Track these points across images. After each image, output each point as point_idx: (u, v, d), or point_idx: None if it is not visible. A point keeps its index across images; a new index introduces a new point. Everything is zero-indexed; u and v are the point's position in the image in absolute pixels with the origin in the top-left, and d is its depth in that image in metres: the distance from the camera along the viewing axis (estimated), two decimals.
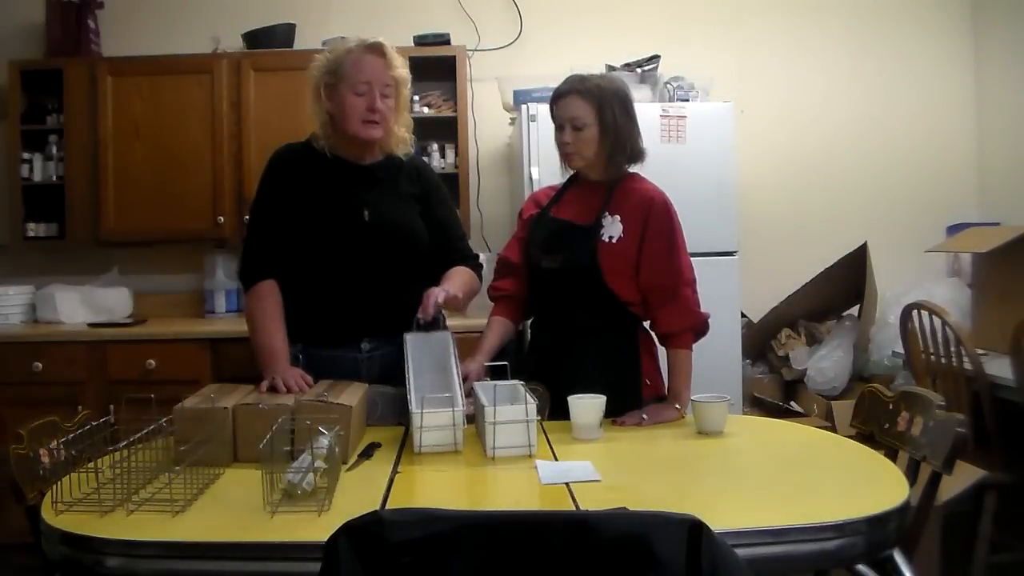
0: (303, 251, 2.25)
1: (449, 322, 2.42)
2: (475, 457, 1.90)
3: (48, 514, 1.52)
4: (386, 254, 2.23)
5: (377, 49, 2.23)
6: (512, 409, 1.89)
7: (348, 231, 2.24)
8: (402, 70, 2.28)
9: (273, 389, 2.05)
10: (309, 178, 2.28)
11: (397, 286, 2.12)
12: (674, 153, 3.46)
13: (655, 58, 3.78)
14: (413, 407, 1.90)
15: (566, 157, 2.32)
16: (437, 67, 3.87)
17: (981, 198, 4.29)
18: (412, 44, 3.91)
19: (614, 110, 2.25)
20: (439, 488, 1.75)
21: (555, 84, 2.37)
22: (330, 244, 2.24)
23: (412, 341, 2.13)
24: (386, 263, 2.19)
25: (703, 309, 2.30)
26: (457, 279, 2.30)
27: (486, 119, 4.12)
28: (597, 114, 2.24)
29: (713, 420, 2.04)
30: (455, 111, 3.97)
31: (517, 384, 2.08)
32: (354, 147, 2.30)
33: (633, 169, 2.36)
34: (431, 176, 2.48)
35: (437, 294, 2.16)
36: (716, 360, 3.04)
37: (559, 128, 2.30)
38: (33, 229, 3.93)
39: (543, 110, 3.41)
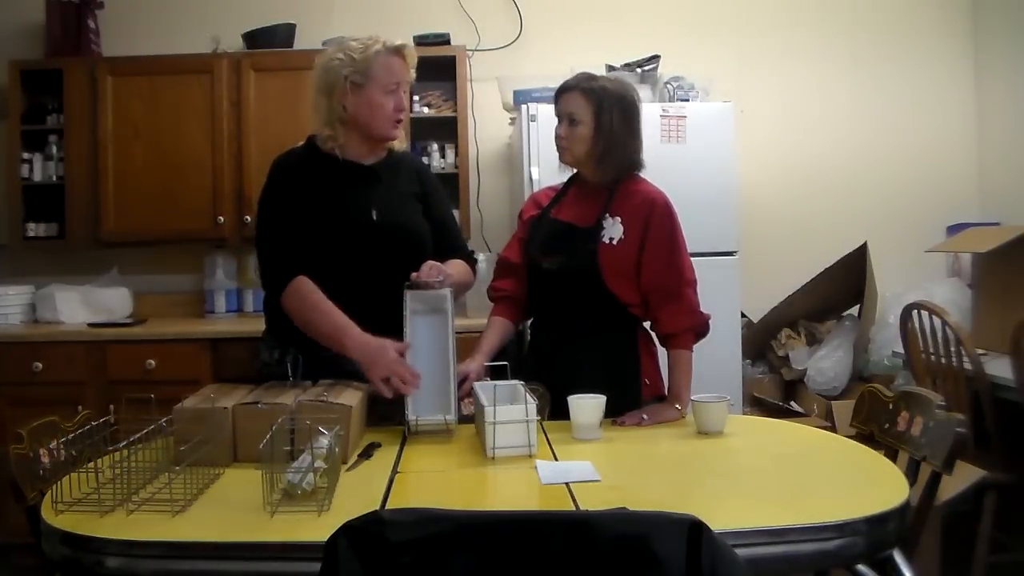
0: (311, 252, 2.25)
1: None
2: (475, 457, 1.90)
3: (48, 514, 1.52)
4: (393, 253, 2.23)
5: (403, 51, 2.30)
6: (512, 409, 1.89)
7: (357, 231, 2.25)
8: (413, 71, 2.34)
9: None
10: (315, 181, 2.27)
11: (400, 286, 2.13)
12: (674, 153, 3.46)
13: (655, 58, 3.78)
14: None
15: (558, 151, 2.33)
16: (437, 67, 3.87)
17: (981, 198, 4.29)
18: (413, 43, 3.91)
19: (612, 114, 2.25)
20: (439, 488, 1.75)
21: (555, 84, 2.39)
22: (340, 245, 2.24)
23: (411, 297, 2.14)
24: (392, 262, 2.19)
25: (703, 310, 2.30)
26: (452, 268, 2.31)
27: (486, 119, 4.12)
28: (594, 114, 2.25)
29: (713, 420, 2.04)
30: (455, 111, 3.97)
31: (517, 384, 2.09)
32: (365, 146, 2.31)
33: None
34: (431, 176, 2.51)
35: (440, 265, 2.19)
36: (716, 360, 3.04)
37: (558, 121, 2.31)
38: (33, 229, 3.93)
39: (543, 110, 3.43)
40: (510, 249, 2.45)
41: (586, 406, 2.01)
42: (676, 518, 1.05)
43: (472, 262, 2.48)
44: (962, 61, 4.32)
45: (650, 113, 3.40)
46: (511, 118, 3.93)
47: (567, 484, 1.66)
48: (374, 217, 2.27)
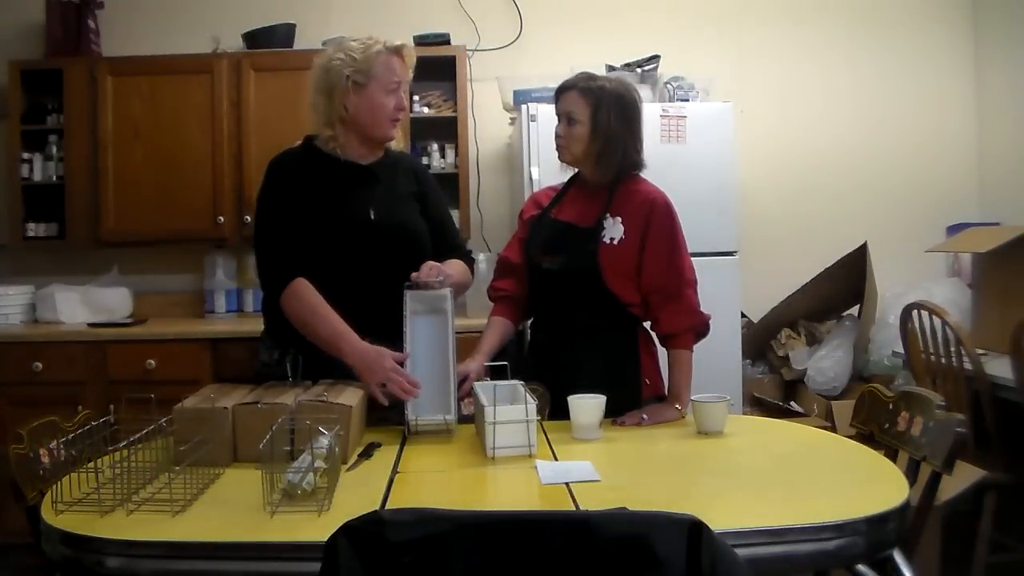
0: (310, 253, 2.25)
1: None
2: (475, 457, 1.90)
3: (48, 514, 1.52)
4: (391, 253, 2.24)
5: (403, 51, 2.30)
6: (512, 409, 1.89)
7: (356, 231, 2.25)
8: (412, 71, 2.35)
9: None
10: (312, 181, 2.27)
11: (399, 285, 2.13)
12: (674, 153, 3.46)
13: (655, 58, 3.78)
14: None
15: (557, 150, 2.34)
16: (437, 67, 3.87)
17: (981, 198, 4.29)
18: (412, 44, 3.91)
19: (610, 113, 2.25)
20: (439, 488, 1.75)
21: (555, 84, 2.39)
22: (338, 245, 2.24)
23: (411, 297, 2.15)
24: (390, 262, 2.20)
25: (703, 310, 2.30)
26: (451, 267, 2.31)
27: (486, 119, 4.12)
28: (592, 113, 2.25)
29: (713, 420, 2.04)
30: (455, 111, 3.97)
31: (517, 384, 2.09)
32: (363, 146, 2.31)
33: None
34: (428, 176, 2.51)
35: (439, 266, 2.20)
36: (716, 360, 3.04)
37: (558, 120, 2.32)
38: (33, 229, 3.93)
39: (543, 110, 3.43)
40: (510, 249, 2.45)
41: (586, 406, 2.01)
42: (676, 518, 1.05)
43: (470, 262, 2.48)
44: (962, 60, 4.32)
45: (650, 113, 3.39)
46: (511, 118, 3.93)
47: (567, 484, 1.66)
48: (372, 217, 2.27)
